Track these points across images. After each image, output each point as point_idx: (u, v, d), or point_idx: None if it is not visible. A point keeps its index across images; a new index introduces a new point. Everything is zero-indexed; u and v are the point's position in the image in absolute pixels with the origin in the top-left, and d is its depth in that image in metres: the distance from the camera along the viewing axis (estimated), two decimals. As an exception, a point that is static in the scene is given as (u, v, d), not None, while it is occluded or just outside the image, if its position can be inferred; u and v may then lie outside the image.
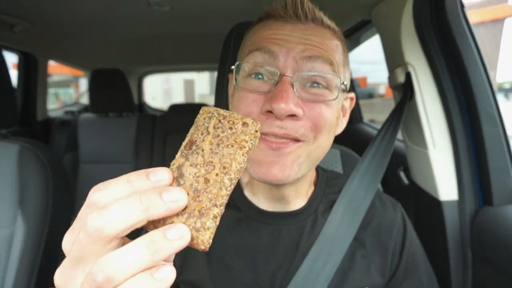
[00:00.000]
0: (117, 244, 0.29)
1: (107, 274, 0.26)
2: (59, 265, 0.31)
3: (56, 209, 1.07)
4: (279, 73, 0.58)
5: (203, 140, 0.36)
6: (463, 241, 1.07)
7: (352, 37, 1.88)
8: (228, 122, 0.37)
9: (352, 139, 1.67)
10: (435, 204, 1.12)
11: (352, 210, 0.72)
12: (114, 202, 0.28)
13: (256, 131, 0.37)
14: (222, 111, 0.38)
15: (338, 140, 0.77)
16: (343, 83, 0.62)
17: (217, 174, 0.35)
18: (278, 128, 0.57)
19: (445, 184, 1.11)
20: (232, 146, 0.36)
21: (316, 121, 0.59)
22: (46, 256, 1.03)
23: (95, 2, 1.61)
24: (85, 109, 3.68)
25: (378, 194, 0.80)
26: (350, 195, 0.74)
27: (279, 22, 0.62)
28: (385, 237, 0.73)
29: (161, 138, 2.59)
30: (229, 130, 0.37)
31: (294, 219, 0.70)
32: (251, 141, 0.37)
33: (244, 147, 0.36)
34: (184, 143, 0.37)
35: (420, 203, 1.23)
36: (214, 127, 0.37)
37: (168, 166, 0.35)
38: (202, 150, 0.36)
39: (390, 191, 1.19)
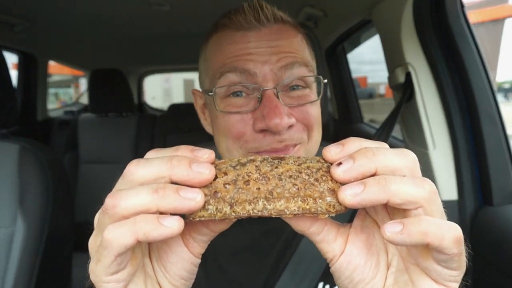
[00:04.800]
0: None
1: (114, 200, 0.30)
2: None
3: (56, 209, 1.07)
4: (261, 89, 0.57)
5: (287, 163, 0.33)
6: (463, 241, 1.07)
7: (352, 37, 1.88)
8: (321, 177, 0.32)
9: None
10: (435, 204, 1.12)
11: None
12: (134, 187, 0.31)
13: (330, 211, 0.31)
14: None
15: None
16: (318, 78, 0.63)
17: (258, 189, 0.31)
18: (278, 143, 0.58)
19: (445, 184, 1.11)
20: (298, 190, 0.31)
21: (307, 122, 0.60)
22: (46, 256, 1.03)
23: (95, 2, 1.61)
24: (85, 109, 3.68)
25: None
26: None
27: (240, 32, 0.60)
28: None
29: (161, 138, 2.59)
30: (313, 180, 0.32)
31: None
32: (318, 209, 0.31)
33: (307, 204, 0.31)
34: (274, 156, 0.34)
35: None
36: (307, 167, 0.33)
37: None
38: (276, 167, 0.33)
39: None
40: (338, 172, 0.31)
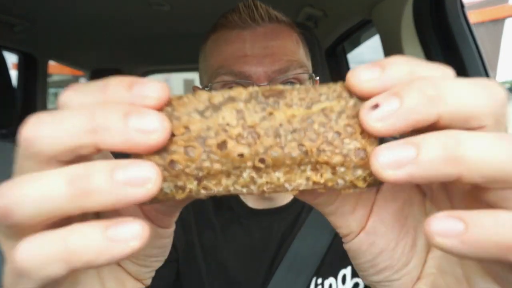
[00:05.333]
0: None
1: (5, 202, 0.17)
2: None
3: (56, 209, 1.07)
4: (254, 84, 0.58)
5: (290, 105, 0.19)
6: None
7: (352, 37, 1.88)
8: (345, 128, 0.19)
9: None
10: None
11: None
12: (38, 170, 0.19)
13: (357, 185, 0.19)
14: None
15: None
16: (311, 75, 0.64)
17: (242, 155, 0.18)
18: None
19: (445, 184, 1.11)
20: (307, 154, 0.18)
21: None
22: (46, 256, 1.03)
23: (95, 2, 1.61)
24: (85, 109, 3.67)
25: None
26: None
27: (236, 31, 0.61)
28: None
29: (161, 138, 2.59)
30: (332, 135, 0.18)
31: (282, 214, 0.70)
32: (339, 182, 0.19)
33: (321, 175, 0.19)
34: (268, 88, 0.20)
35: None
36: (322, 109, 0.19)
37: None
38: (271, 113, 0.19)
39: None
40: (372, 121, 0.18)
